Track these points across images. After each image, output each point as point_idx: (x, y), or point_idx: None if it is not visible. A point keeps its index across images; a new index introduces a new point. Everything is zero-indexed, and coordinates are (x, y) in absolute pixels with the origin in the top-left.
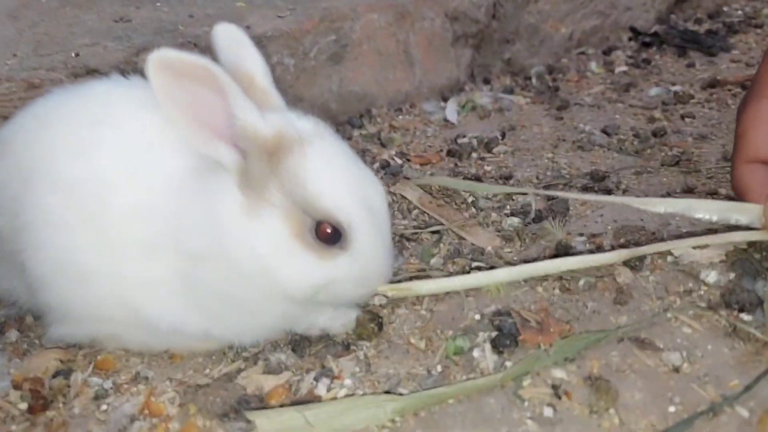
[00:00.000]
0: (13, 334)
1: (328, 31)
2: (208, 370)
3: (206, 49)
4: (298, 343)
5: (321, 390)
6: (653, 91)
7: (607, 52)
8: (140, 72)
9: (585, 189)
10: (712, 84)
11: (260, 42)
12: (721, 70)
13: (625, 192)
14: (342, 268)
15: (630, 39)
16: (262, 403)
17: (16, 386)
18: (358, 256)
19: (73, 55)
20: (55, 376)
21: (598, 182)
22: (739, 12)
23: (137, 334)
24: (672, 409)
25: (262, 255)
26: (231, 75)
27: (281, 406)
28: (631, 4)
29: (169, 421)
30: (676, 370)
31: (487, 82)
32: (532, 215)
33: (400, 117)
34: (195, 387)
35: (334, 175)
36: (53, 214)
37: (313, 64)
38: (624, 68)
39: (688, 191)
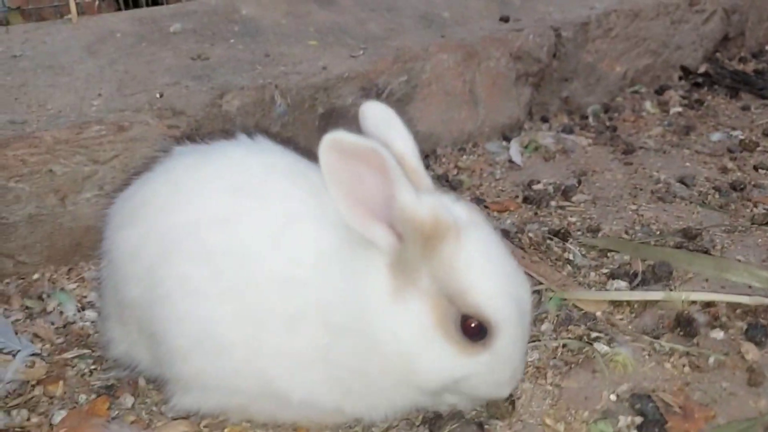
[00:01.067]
0: (128, 400)
1: (401, 72)
2: None
3: (287, 91)
4: (433, 421)
5: None
6: (715, 136)
7: (659, 92)
8: (224, 116)
9: (679, 247)
10: None
11: (338, 83)
12: None
13: (723, 251)
14: (480, 366)
15: (681, 78)
16: None
17: None
18: (499, 357)
19: (157, 95)
20: None
21: (691, 240)
22: None
23: (267, 405)
24: None
25: (404, 340)
26: (389, 147)
27: None
28: (681, 42)
29: None
30: None
31: (545, 120)
32: (639, 279)
33: (465, 157)
34: None
35: (488, 270)
36: (194, 285)
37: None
38: (678, 109)
39: None
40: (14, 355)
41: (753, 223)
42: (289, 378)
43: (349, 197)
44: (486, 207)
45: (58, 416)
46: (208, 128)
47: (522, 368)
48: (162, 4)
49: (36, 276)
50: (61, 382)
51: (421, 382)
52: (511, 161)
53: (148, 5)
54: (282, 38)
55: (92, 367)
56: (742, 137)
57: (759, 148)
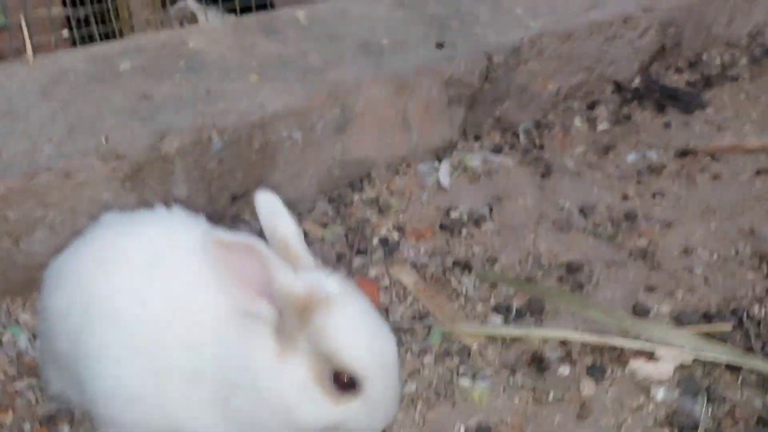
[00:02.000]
0: (65, 427)
1: (334, 106)
2: None
3: (223, 130)
4: None
5: None
6: (630, 156)
7: (591, 106)
8: (164, 158)
9: (560, 280)
10: (685, 153)
11: (273, 120)
12: (695, 132)
13: (596, 286)
14: (353, 412)
15: (613, 92)
16: None
17: None
18: (369, 403)
19: (103, 140)
20: None
21: (572, 274)
22: (718, 61)
23: None
24: None
25: (286, 395)
26: (270, 235)
27: None
28: (616, 57)
29: None
30: None
31: (477, 138)
32: (513, 314)
33: (397, 179)
34: None
35: (354, 333)
36: (110, 348)
37: (319, 136)
38: (605, 126)
39: (650, 290)
40: None
41: (630, 255)
42: (192, 424)
43: (235, 281)
44: (404, 235)
45: None
46: (149, 169)
47: (393, 409)
48: (113, 36)
49: None
50: (11, 411)
51: (303, 428)
52: (439, 183)
53: (101, 37)
54: (225, 73)
55: (38, 396)
56: (655, 158)
57: (665, 171)
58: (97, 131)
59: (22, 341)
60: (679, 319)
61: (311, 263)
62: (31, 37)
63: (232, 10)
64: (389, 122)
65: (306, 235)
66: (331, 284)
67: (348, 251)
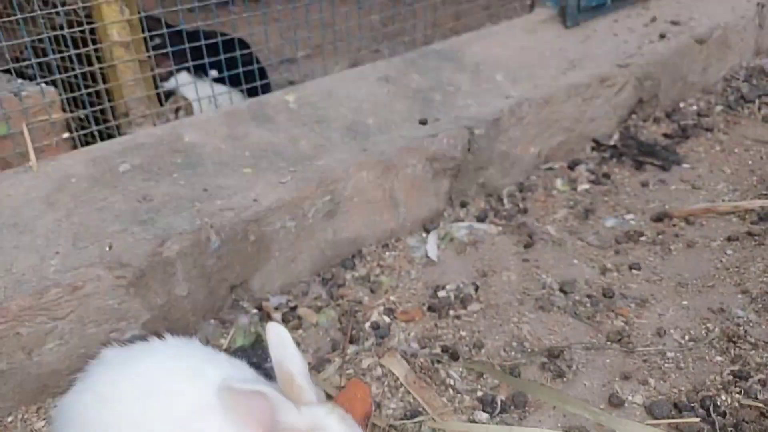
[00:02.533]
0: None
1: (324, 193)
2: None
3: (221, 229)
4: None
5: None
6: (609, 221)
7: (572, 167)
8: (165, 261)
9: (543, 367)
10: (660, 217)
11: (267, 213)
12: (671, 193)
13: (576, 373)
14: None
15: (593, 149)
16: None
17: None
18: None
19: (107, 248)
20: None
21: (554, 359)
22: (694, 108)
23: None
24: None
25: None
26: (277, 366)
27: None
28: (594, 115)
29: None
30: None
31: (463, 205)
32: (498, 408)
33: (388, 254)
34: None
35: None
36: None
37: (311, 222)
38: (586, 186)
39: (625, 378)
40: None
41: (608, 340)
42: None
43: (244, 418)
44: (395, 317)
45: None
46: (152, 274)
47: None
48: (112, 134)
49: (10, 419)
50: None
51: None
52: (427, 257)
53: (101, 135)
54: (220, 168)
55: None
56: (633, 223)
57: (642, 239)
58: (101, 238)
59: None
60: (651, 411)
61: (314, 397)
62: (33, 143)
63: (222, 81)
64: (377, 202)
65: (300, 320)
66: (331, 421)
67: (341, 338)
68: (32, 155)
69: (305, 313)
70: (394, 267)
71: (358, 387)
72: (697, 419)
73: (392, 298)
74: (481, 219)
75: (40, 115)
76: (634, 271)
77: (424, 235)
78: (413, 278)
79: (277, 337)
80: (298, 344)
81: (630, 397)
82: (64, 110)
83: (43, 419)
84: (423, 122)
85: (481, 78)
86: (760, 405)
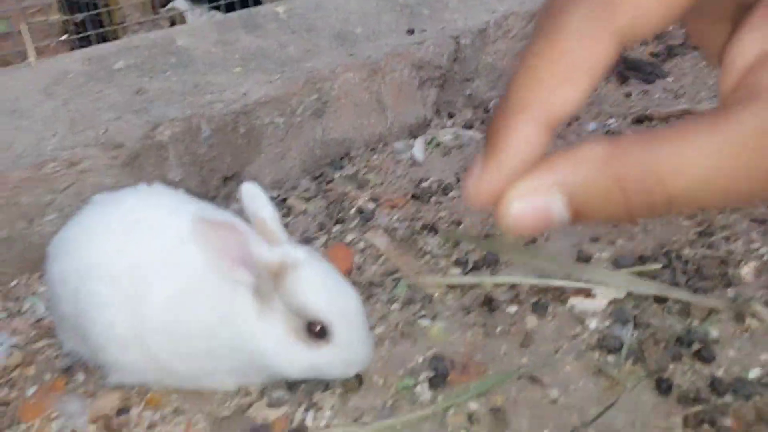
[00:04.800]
0: (80, 376)
1: (312, 92)
2: (227, 403)
3: (211, 119)
4: (292, 383)
5: (309, 421)
6: (591, 126)
7: None
8: (158, 145)
9: (517, 242)
10: (641, 119)
11: (256, 107)
12: (653, 100)
13: (547, 240)
14: (327, 358)
15: None
16: (267, 430)
17: (93, 421)
18: (340, 345)
19: (102, 131)
20: (118, 413)
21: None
22: (683, 30)
23: (171, 380)
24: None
25: (267, 348)
26: (252, 218)
27: None
28: None
29: None
30: (554, 401)
31: (451, 116)
32: (470, 266)
33: (375, 156)
34: (219, 419)
35: (318, 288)
36: (101, 300)
37: (299, 120)
38: None
39: (594, 240)
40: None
41: None
42: (179, 365)
43: (218, 253)
44: (379, 205)
45: (30, 391)
46: (145, 156)
47: (364, 354)
48: (108, 39)
49: (13, 283)
50: (33, 366)
51: (284, 374)
52: (413, 158)
53: (97, 40)
54: (211, 67)
55: (57, 353)
56: (614, 126)
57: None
58: (97, 124)
59: (40, 308)
60: (617, 262)
61: (284, 239)
62: (32, 43)
63: (218, 8)
64: (365, 104)
65: (290, 209)
66: (299, 252)
67: (328, 221)
68: (31, 52)
69: (294, 202)
70: (381, 167)
71: (340, 248)
72: (659, 265)
73: (378, 190)
74: (467, 127)
75: (38, 16)
76: None
77: (411, 141)
78: (399, 176)
79: (250, 191)
80: (286, 227)
81: (598, 254)
82: (62, 12)
83: (45, 285)
84: (410, 32)
85: None
86: (722, 255)
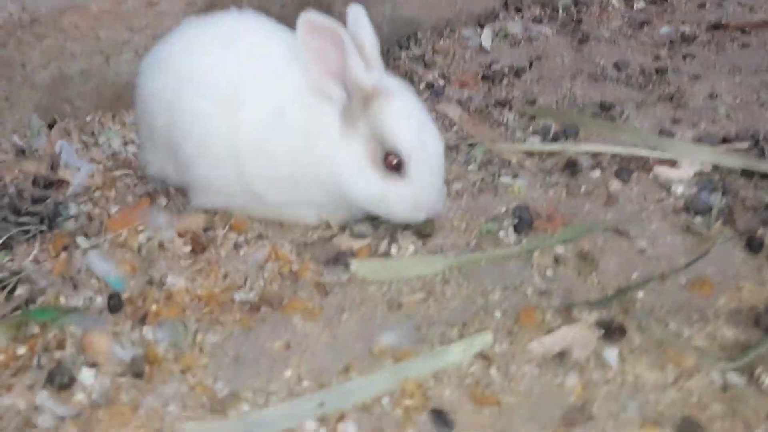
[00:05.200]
0: (162, 201)
1: None
2: (310, 234)
3: None
4: (374, 218)
5: (393, 251)
6: (664, 29)
7: None
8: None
9: (594, 116)
10: (717, 26)
11: None
12: (728, 12)
13: (625, 119)
14: (397, 191)
15: None
16: (353, 256)
17: (180, 235)
18: (412, 184)
19: None
20: (204, 230)
21: (605, 111)
22: None
23: (255, 204)
24: (635, 275)
25: (344, 167)
26: (353, 38)
27: None
28: None
29: (291, 264)
30: (642, 251)
31: (518, 11)
32: (550, 136)
33: (442, 41)
34: (304, 244)
35: (404, 121)
36: (197, 110)
37: None
38: (642, 5)
39: (676, 122)
40: (79, 169)
41: (659, 99)
42: (265, 187)
43: (316, 62)
44: (449, 82)
45: (114, 209)
46: (220, 5)
47: (436, 200)
48: None
49: (89, 118)
50: (113, 189)
51: (353, 199)
52: (481, 46)
53: None
54: None
55: (136, 182)
56: (688, 30)
57: (697, 40)
58: None
59: (116, 143)
60: (701, 141)
61: (380, 67)
62: None
63: None
64: None
65: None
66: (393, 83)
67: None
68: None
69: None
70: (449, 51)
71: None
72: (746, 144)
73: (446, 71)
74: (536, 22)
75: None
76: (687, 60)
77: (478, 29)
78: (467, 60)
79: (356, 15)
80: None
81: (680, 134)
82: None
83: (118, 125)
84: None
85: None
86: None
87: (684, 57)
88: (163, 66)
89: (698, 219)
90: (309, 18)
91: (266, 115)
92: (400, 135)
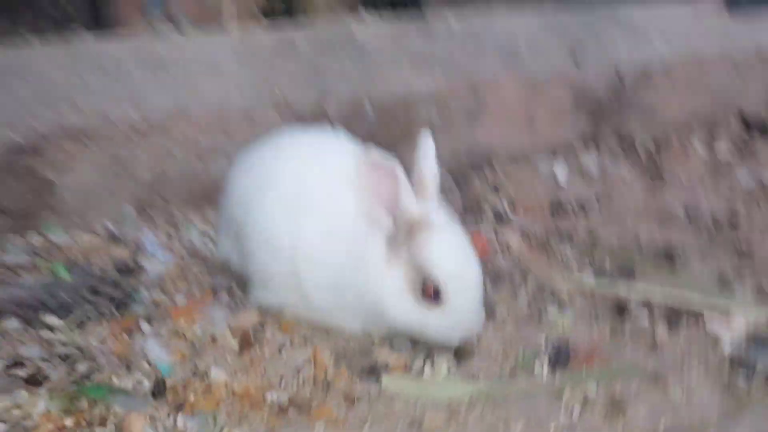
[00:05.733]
0: (224, 297)
1: (470, 96)
2: (351, 342)
3: (375, 101)
4: (413, 338)
5: (427, 369)
6: (743, 177)
7: (712, 133)
8: (324, 114)
9: (654, 258)
10: None
11: (417, 100)
12: None
13: (685, 266)
14: (435, 319)
15: (737, 122)
16: (387, 370)
17: (232, 331)
18: (449, 314)
19: (278, 96)
20: (255, 330)
21: (667, 255)
22: None
23: (305, 306)
24: (662, 427)
25: (386, 293)
26: (416, 166)
27: None
28: (744, 88)
29: (327, 369)
30: (676, 404)
31: (596, 145)
32: (606, 274)
33: (515, 170)
34: (344, 351)
35: (444, 253)
36: (268, 210)
37: (453, 119)
38: (724, 152)
39: (737, 273)
40: (158, 259)
41: (725, 248)
42: (315, 291)
43: (371, 192)
44: (515, 211)
45: (180, 299)
46: (310, 121)
47: (472, 327)
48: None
49: (176, 212)
50: (185, 280)
51: (391, 322)
52: (554, 177)
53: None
54: (381, 60)
55: (206, 275)
56: (765, 180)
57: None
58: (275, 89)
59: (196, 238)
60: (760, 296)
61: (434, 197)
62: (230, 15)
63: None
64: (517, 117)
65: None
66: (440, 215)
67: (463, 213)
68: (231, 22)
69: None
70: (520, 180)
71: (477, 236)
72: None
73: (514, 199)
74: (612, 158)
75: None
76: (763, 209)
77: (553, 161)
78: (537, 190)
79: (425, 144)
80: None
81: (740, 286)
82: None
83: (201, 222)
84: (574, 59)
85: (635, 31)
86: None
87: (759, 206)
88: (248, 167)
89: (741, 377)
90: (368, 155)
91: (324, 228)
92: (438, 265)
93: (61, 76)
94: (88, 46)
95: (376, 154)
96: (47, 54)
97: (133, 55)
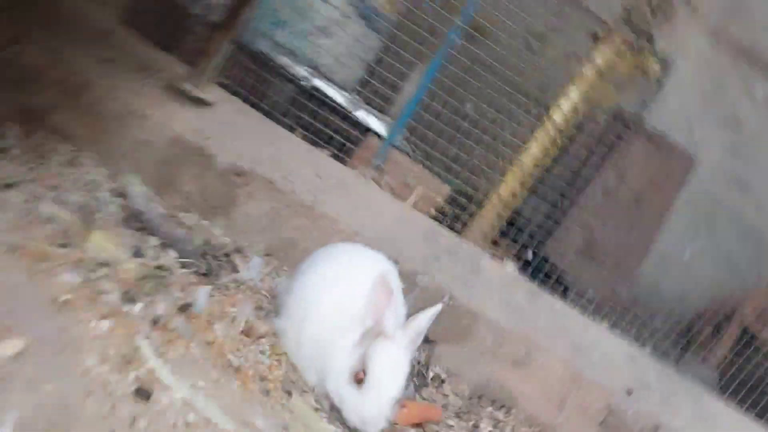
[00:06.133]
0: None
1: None
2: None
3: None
4: None
5: None
6: None
7: None
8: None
9: None
10: None
11: None
12: None
13: None
14: (353, 400)
15: None
16: None
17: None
18: (364, 400)
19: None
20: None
21: None
22: None
23: (297, 351)
24: None
25: (335, 363)
26: (415, 313)
27: None
28: None
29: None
30: None
31: None
32: None
33: None
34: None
35: (384, 358)
36: (315, 313)
37: None
38: None
39: None
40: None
41: None
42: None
43: (371, 300)
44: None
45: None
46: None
47: (379, 422)
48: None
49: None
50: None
51: (328, 385)
52: None
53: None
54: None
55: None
56: None
57: None
58: None
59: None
60: None
61: (402, 339)
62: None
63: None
64: None
65: None
66: (399, 338)
67: None
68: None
69: None
70: None
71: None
72: None
73: None
74: None
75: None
76: None
77: None
78: None
79: (432, 311)
80: None
81: None
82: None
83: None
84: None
85: None
86: None
87: None
88: (302, 270)
89: None
90: (379, 279)
91: (324, 314)
92: (374, 362)
93: None
94: None
95: (384, 281)
96: None
97: None
